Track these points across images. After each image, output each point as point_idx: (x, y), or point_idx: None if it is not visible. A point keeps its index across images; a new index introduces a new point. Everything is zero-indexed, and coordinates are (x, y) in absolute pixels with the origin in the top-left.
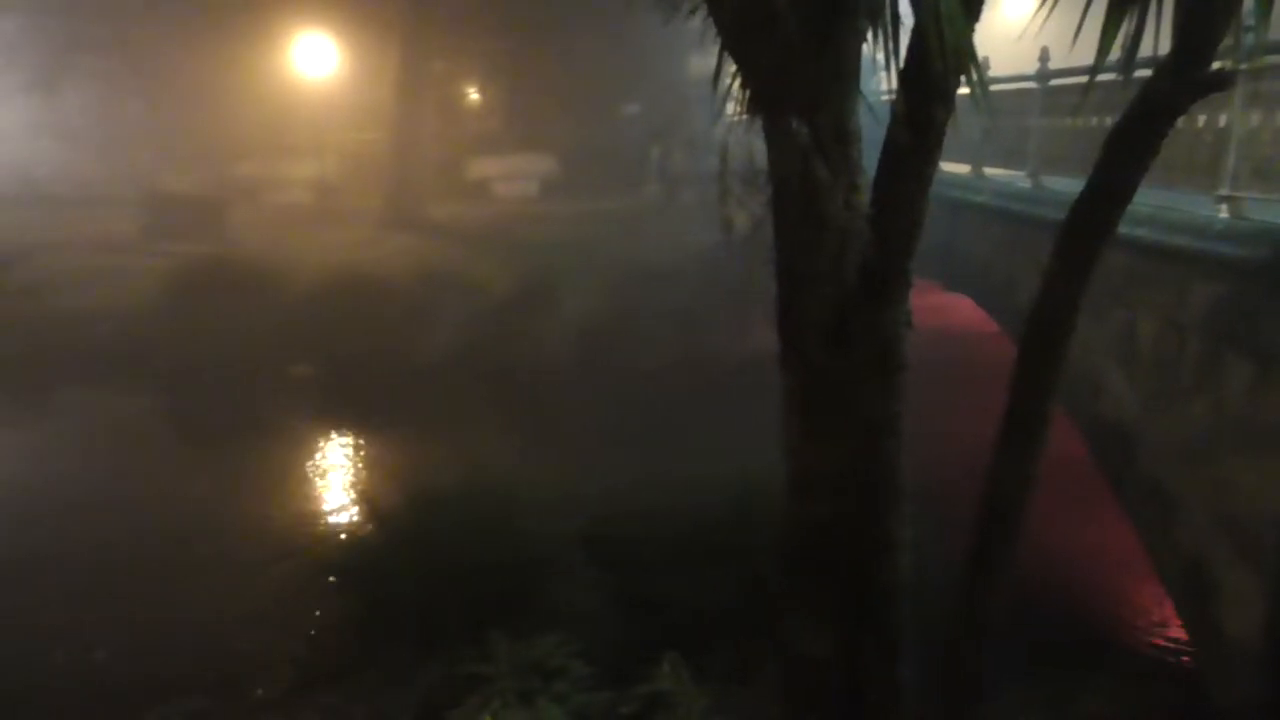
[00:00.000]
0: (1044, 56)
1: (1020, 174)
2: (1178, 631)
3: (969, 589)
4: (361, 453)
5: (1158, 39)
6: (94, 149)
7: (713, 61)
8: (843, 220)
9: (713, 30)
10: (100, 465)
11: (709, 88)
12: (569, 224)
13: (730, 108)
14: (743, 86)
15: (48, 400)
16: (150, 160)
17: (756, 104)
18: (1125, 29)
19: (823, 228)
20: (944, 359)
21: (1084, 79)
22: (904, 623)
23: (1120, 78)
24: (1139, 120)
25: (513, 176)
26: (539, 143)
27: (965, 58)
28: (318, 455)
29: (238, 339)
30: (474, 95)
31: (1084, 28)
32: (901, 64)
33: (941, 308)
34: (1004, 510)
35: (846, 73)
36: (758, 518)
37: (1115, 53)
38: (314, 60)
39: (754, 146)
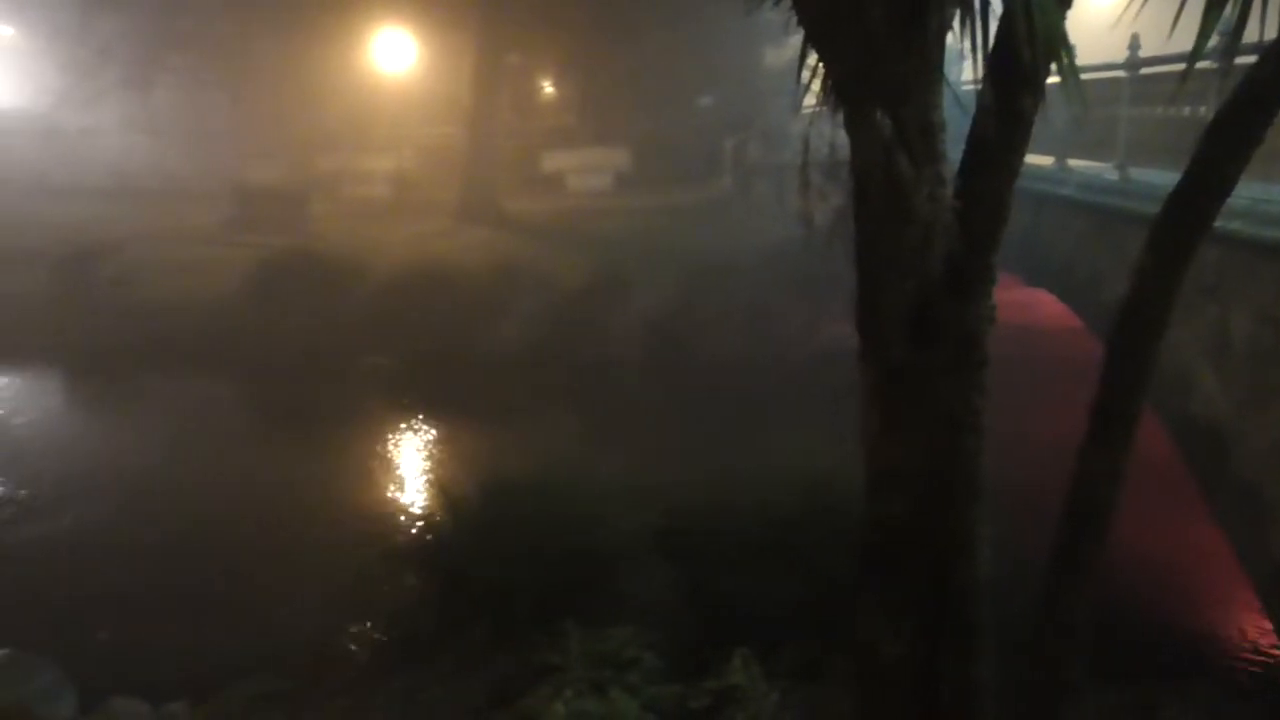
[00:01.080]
0: (1134, 44)
1: (1106, 166)
2: (1270, 640)
3: (1054, 590)
4: (436, 442)
5: (1263, 25)
6: (181, 144)
7: (788, 54)
8: (927, 214)
9: (794, 21)
10: (185, 449)
11: (784, 80)
12: (642, 217)
13: (809, 99)
14: (825, 78)
15: (136, 386)
16: (235, 154)
17: (839, 95)
18: (1229, 14)
19: (906, 221)
20: (1027, 355)
21: (1177, 67)
22: (982, 622)
23: (1218, 65)
24: (1241, 109)
25: (586, 170)
26: (613, 136)
27: (1057, 46)
28: (394, 444)
29: (317, 329)
30: (549, 89)
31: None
32: (989, 53)
33: (1022, 303)
34: (1091, 510)
35: (932, 63)
36: (829, 514)
37: (1213, 40)
38: (393, 55)
39: (835, 138)
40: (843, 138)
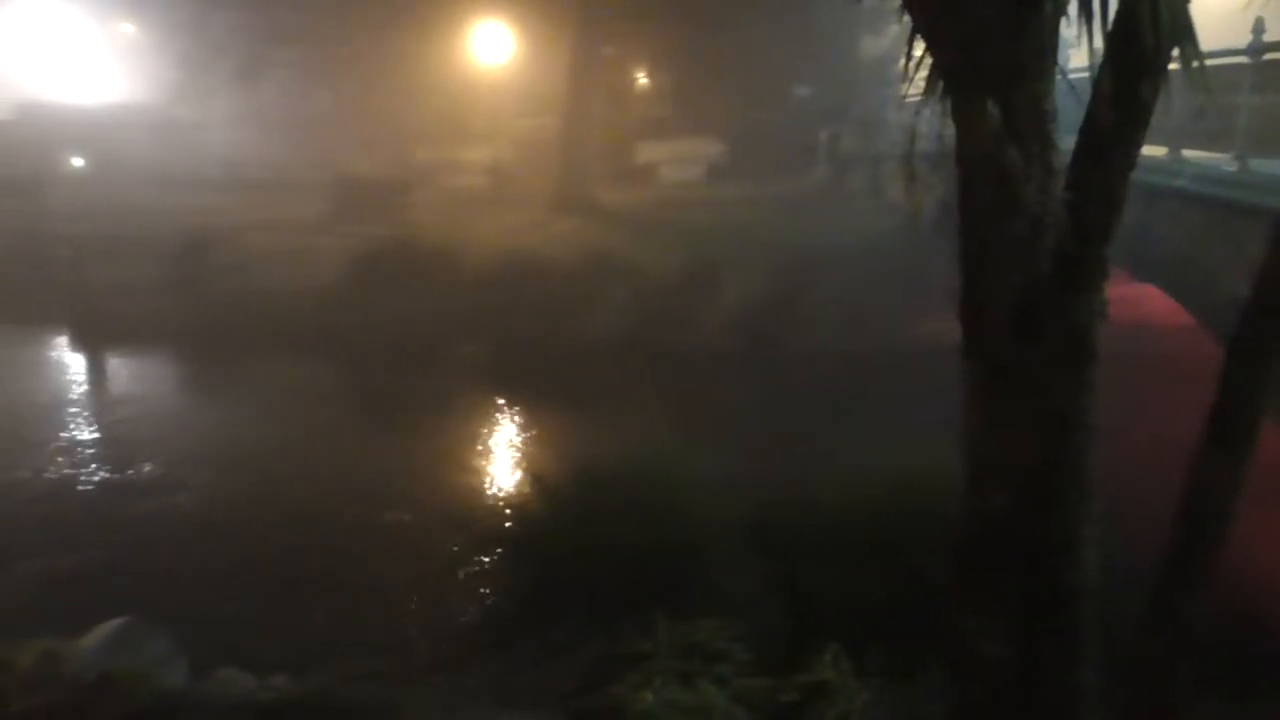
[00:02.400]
0: (1259, 28)
1: (1224, 157)
2: None
3: (1165, 598)
4: (529, 430)
5: None
6: (288, 136)
7: (886, 42)
8: (1036, 205)
9: (897, 7)
10: (289, 431)
11: (882, 69)
12: (734, 208)
13: (911, 87)
14: (931, 65)
15: (245, 370)
16: (338, 146)
17: (946, 83)
18: None
19: (1015, 212)
20: (1137, 352)
21: None
22: (1086, 627)
23: None
24: None
25: (679, 161)
26: (706, 127)
27: (1181, 31)
28: (486, 430)
29: (414, 317)
30: (643, 80)
31: None
32: (1107, 38)
33: (1131, 298)
34: (1207, 516)
35: (1045, 48)
36: (925, 511)
37: None
38: (491, 48)
39: (928, 127)
40: (947, 127)
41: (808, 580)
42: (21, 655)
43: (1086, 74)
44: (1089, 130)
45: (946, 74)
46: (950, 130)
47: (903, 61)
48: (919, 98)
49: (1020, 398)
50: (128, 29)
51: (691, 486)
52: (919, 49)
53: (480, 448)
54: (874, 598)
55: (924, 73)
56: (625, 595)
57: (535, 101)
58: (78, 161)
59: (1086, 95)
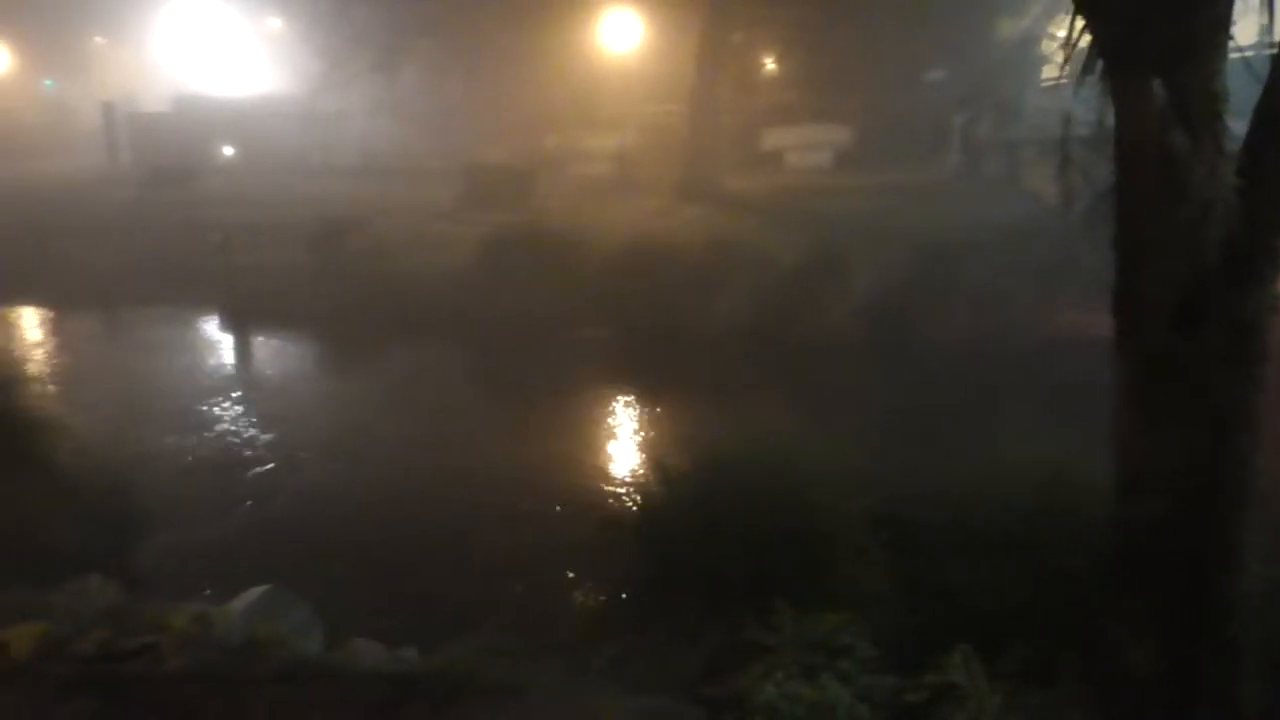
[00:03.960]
0: None
1: None
2: None
3: None
4: (652, 415)
5: None
6: (422, 125)
7: (1026, 23)
8: (1205, 191)
9: None
10: (419, 411)
11: (1022, 50)
12: (862, 196)
13: (1055, 69)
14: (1091, 44)
15: (378, 351)
16: (469, 133)
17: (1106, 63)
18: None
19: (1180, 199)
20: None
21: None
22: (1246, 640)
23: None
24: None
25: (806, 147)
26: (835, 112)
27: None
28: (610, 415)
29: (540, 302)
30: (771, 66)
31: None
32: None
33: None
34: None
35: (1218, 23)
36: (1066, 512)
37: None
38: (619, 35)
39: (1079, 109)
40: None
41: (937, 577)
42: (175, 617)
43: (1253, 51)
44: (1265, 112)
45: (1106, 52)
46: (1107, 113)
47: (1048, 42)
48: (1065, 80)
49: (1179, 397)
50: (274, 24)
51: (818, 477)
52: (1068, 28)
53: (605, 433)
54: (1008, 598)
55: (1071, 52)
56: (748, 584)
57: (662, 88)
58: (228, 150)
59: (1263, 73)
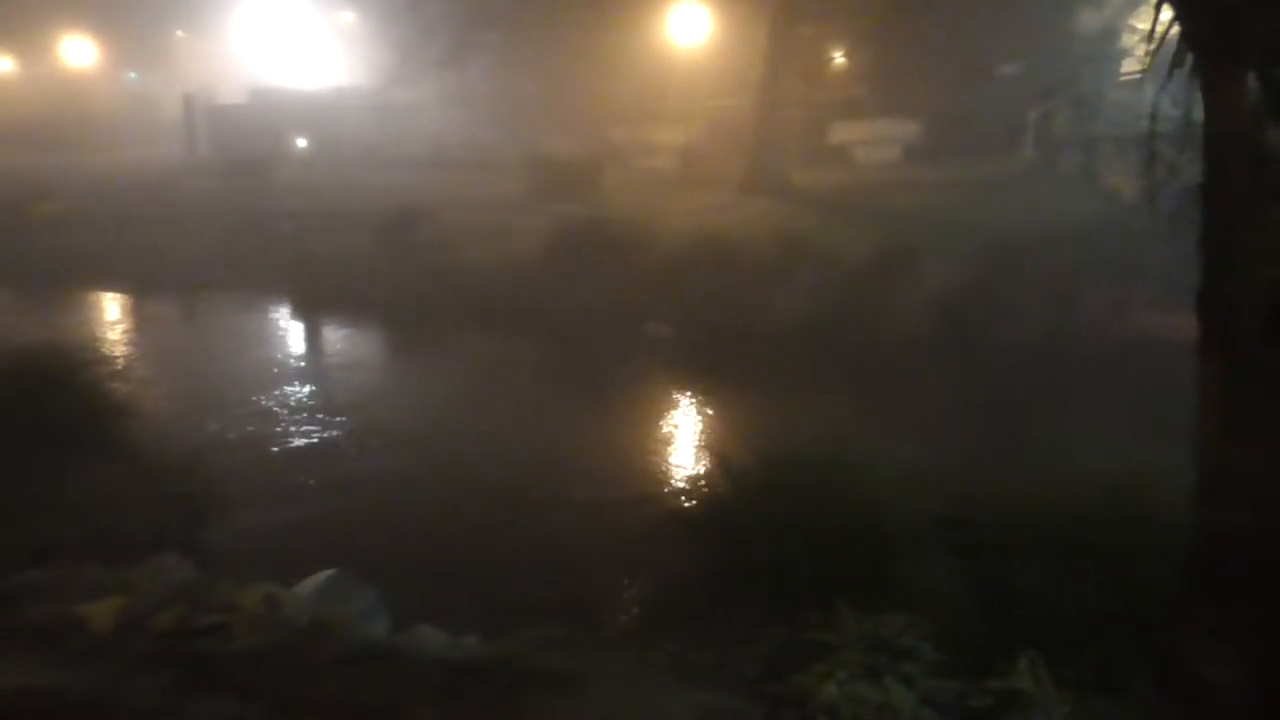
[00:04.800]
0: None
1: None
2: None
3: None
4: (714, 410)
5: None
6: (490, 117)
7: (1106, 14)
8: None
9: None
10: (482, 401)
11: (1102, 43)
12: (932, 191)
13: (1137, 63)
14: (1180, 37)
15: (443, 342)
16: (536, 126)
17: (1196, 57)
18: None
19: (1273, 198)
20: None
21: None
22: None
23: None
24: None
25: (874, 142)
26: (904, 106)
27: None
28: (673, 408)
29: (603, 295)
30: (840, 59)
31: None
32: None
33: None
34: None
35: None
36: (1140, 518)
37: None
38: (687, 29)
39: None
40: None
41: (1004, 581)
42: (245, 597)
43: None
44: None
45: (1196, 46)
46: (1195, 108)
47: (1128, 34)
48: (1147, 74)
49: (1265, 402)
50: (348, 17)
51: (883, 477)
52: (1154, 20)
53: (664, 425)
54: (1078, 605)
55: (1157, 46)
56: (810, 583)
57: (729, 82)
58: (301, 142)
59: None
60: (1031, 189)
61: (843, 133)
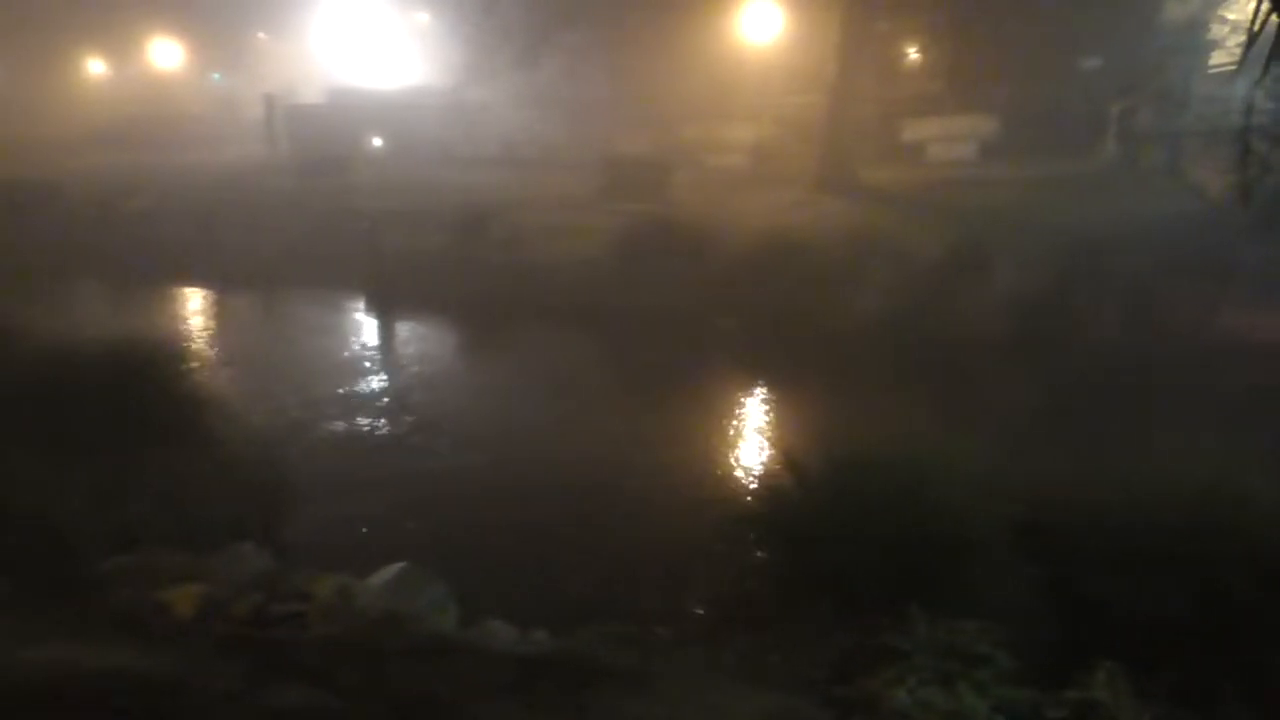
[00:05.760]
0: None
1: None
2: None
3: None
4: (782, 409)
5: None
6: (562, 116)
7: (1193, 7)
8: None
9: None
10: (550, 398)
11: (1189, 36)
12: (1008, 189)
13: (1231, 55)
14: None
15: (514, 338)
16: (608, 124)
17: None
18: None
19: None
20: None
21: None
22: None
23: None
24: None
25: (949, 139)
26: (981, 103)
27: None
28: (742, 407)
29: (673, 293)
30: (914, 55)
31: None
32: None
33: None
34: None
35: None
36: (1231, 527)
37: None
38: (759, 26)
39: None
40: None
41: (1085, 590)
42: (320, 587)
43: None
44: None
45: None
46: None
47: (1217, 25)
48: (1237, 65)
49: None
50: (423, 18)
51: (956, 479)
52: (1253, 12)
53: (732, 423)
54: (1165, 617)
55: (1254, 38)
56: (881, 586)
57: (802, 79)
58: (377, 141)
59: None
60: (1113, 186)
61: (916, 130)
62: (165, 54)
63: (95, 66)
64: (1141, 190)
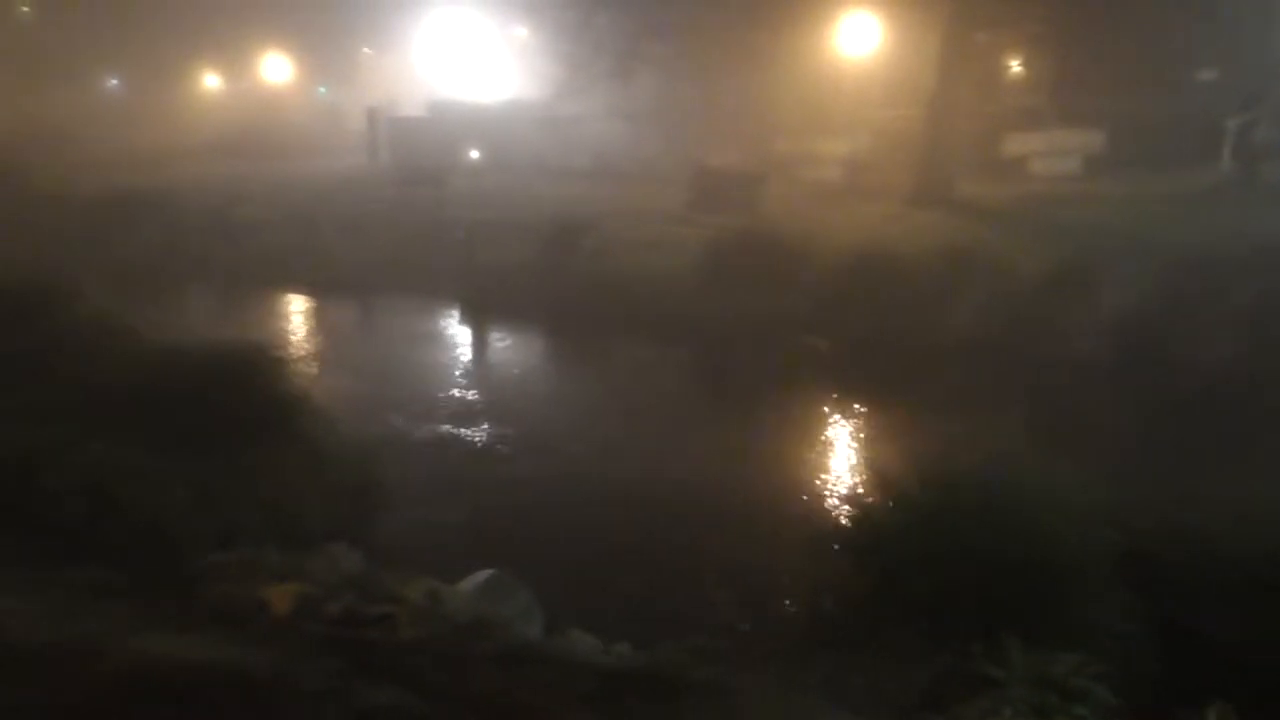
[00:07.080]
0: None
1: None
2: None
3: None
4: (871, 428)
5: None
6: (654, 129)
7: None
8: None
9: None
10: (636, 410)
11: None
12: (1113, 205)
13: None
14: None
15: (601, 349)
16: (700, 137)
17: None
18: None
19: None
20: None
21: None
22: None
23: None
24: None
25: (1052, 153)
26: (1086, 116)
27: None
28: (828, 425)
29: (761, 306)
30: (1016, 67)
31: None
32: None
33: None
34: None
35: None
36: None
37: None
38: (856, 38)
39: None
40: None
41: (1189, 623)
42: (410, 590)
43: None
44: None
45: None
46: None
47: None
48: None
49: None
50: (521, 32)
51: (1053, 504)
52: None
53: (820, 441)
54: (1274, 651)
55: None
56: (973, 612)
57: (900, 92)
58: (474, 153)
59: None
60: (1228, 204)
61: (1018, 143)
62: (276, 69)
63: (210, 80)
64: (1259, 208)
